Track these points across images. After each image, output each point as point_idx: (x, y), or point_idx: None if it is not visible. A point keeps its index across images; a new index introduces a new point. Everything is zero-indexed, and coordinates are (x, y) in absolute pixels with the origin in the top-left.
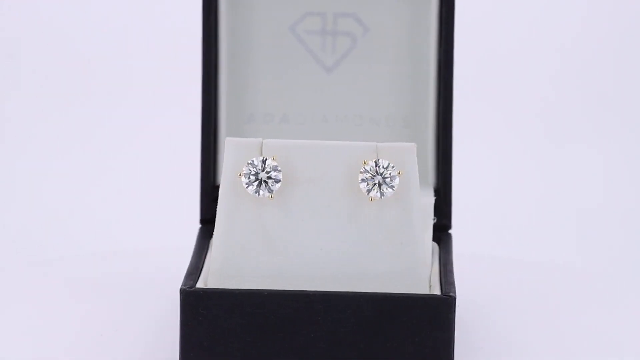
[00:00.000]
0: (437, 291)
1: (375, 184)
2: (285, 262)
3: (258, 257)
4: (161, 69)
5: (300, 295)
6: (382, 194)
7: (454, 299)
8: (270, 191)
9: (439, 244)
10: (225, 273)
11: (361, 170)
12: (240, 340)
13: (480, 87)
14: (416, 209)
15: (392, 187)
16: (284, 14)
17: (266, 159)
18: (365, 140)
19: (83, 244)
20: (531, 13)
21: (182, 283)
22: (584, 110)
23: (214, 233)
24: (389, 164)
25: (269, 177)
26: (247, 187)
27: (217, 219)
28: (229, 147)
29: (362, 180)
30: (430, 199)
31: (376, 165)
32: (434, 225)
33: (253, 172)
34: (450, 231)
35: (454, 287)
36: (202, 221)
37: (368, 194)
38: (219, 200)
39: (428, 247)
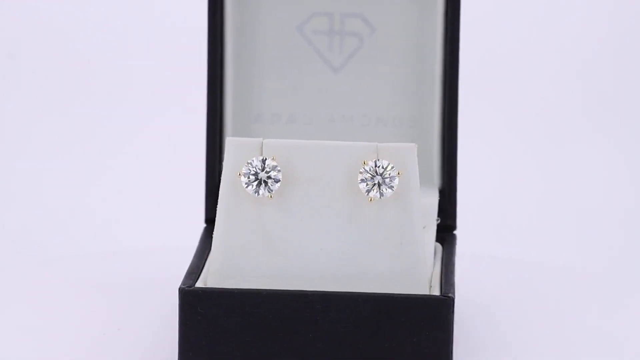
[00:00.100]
0: (437, 292)
1: (374, 184)
2: (285, 262)
3: (258, 257)
4: (162, 69)
5: (299, 295)
6: (381, 194)
7: (453, 299)
8: (270, 191)
9: (442, 244)
10: (225, 273)
11: (361, 170)
12: (239, 340)
13: (480, 87)
14: (416, 209)
15: (391, 187)
16: (291, 14)
17: (265, 159)
18: (372, 140)
19: (83, 244)
20: (531, 13)
21: (182, 282)
22: (584, 110)
23: (214, 233)
24: (388, 164)
25: (269, 177)
26: (246, 187)
27: (217, 219)
28: (229, 147)
29: (362, 180)
30: (434, 200)
31: (376, 166)
32: (439, 226)
33: (252, 172)
34: (454, 232)
35: (454, 288)
36: (207, 221)
37: (367, 194)
38: (219, 200)
39: (430, 247)
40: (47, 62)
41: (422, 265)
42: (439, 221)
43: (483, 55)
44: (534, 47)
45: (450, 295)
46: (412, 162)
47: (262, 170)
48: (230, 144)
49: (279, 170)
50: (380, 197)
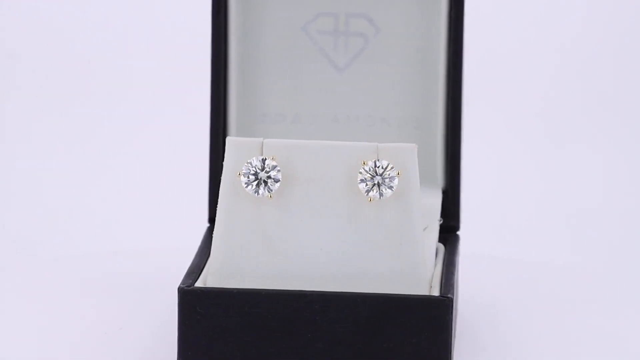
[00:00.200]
0: (437, 292)
1: (374, 184)
2: (285, 262)
3: (258, 257)
4: (162, 69)
5: (298, 295)
6: (381, 195)
7: (452, 300)
8: (270, 191)
9: (445, 245)
10: (224, 273)
11: (360, 170)
12: (238, 339)
13: (480, 87)
14: (416, 209)
15: (391, 187)
16: (297, 14)
17: (265, 159)
18: (376, 141)
19: (83, 244)
20: (531, 13)
21: (181, 282)
22: (584, 110)
23: (214, 233)
24: (388, 164)
25: (269, 177)
26: (246, 187)
27: (217, 219)
28: (229, 147)
29: (361, 180)
30: (437, 200)
31: (375, 166)
32: (442, 227)
33: (252, 172)
34: (458, 232)
35: (453, 289)
36: (210, 220)
37: (367, 194)
38: (219, 200)
39: (432, 248)
40: (47, 62)
41: (421, 266)
42: (441, 222)
43: (483, 55)
44: (534, 47)
45: (449, 296)
46: (412, 162)
47: (262, 170)
48: (230, 143)
49: (278, 170)
50: (379, 197)
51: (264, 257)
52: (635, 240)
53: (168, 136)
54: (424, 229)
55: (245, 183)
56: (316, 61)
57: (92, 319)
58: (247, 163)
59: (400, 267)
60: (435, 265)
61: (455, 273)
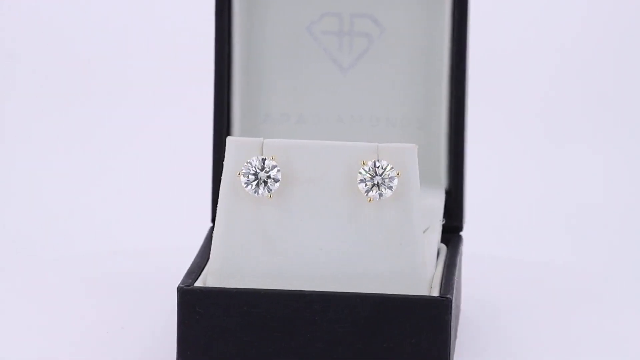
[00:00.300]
0: (437, 293)
1: (373, 184)
2: (285, 262)
3: (258, 257)
4: (163, 69)
5: (297, 295)
6: (380, 195)
7: (451, 300)
8: (269, 190)
9: (447, 245)
10: (224, 273)
11: (360, 170)
12: (237, 339)
13: (480, 87)
14: (416, 209)
15: (390, 187)
16: (301, 14)
17: (265, 159)
18: (380, 141)
19: (83, 244)
20: (531, 13)
21: (180, 282)
22: (584, 110)
23: (214, 233)
24: (387, 164)
25: (269, 177)
26: (246, 187)
27: (217, 219)
28: (229, 147)
29: (361, 180)
30: (439, 201)
31: (375, 166)
32: (445, 227)
33: (252, 172)
34: (461, 233)
35: (453, 290)
36: (213, 220)
37: (367, 194)
38: (219, 200)
39: (433, 248)
40: (47, 62)
41: (421, 266)
42: (443, 222)
43: (483, 55)
44: (534, 47)
45: (448, 296)
46: (412, 163)
47: (262, 170)
48: (231, 143)
49: (278, 170)
50: (379, 198)
51: (264, 257)
52: (635, 240)
53: (170, 136)
54: (426, 230)
55: (245, 183)
56: (320, 61)
57: (92, 319)
58: (247, 163)
59: (400, 268)
60: (437, 265)
61: (456, 273)
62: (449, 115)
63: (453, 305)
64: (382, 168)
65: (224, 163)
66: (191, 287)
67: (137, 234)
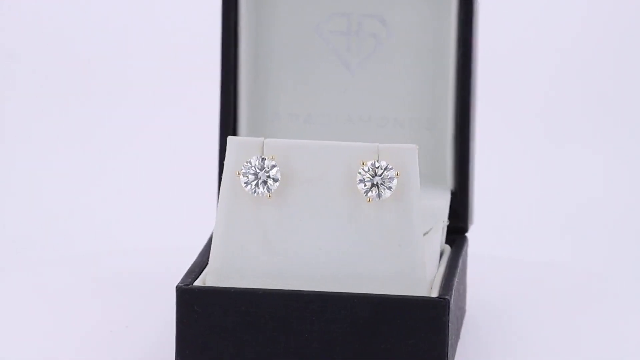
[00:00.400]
0: (437, 294)
1: (373, 184)
2: (284, 261)
3: (257, 257)
4: (169, 68)
5: (295, 295)
6: (379, 195)
7: (448, 301)
8: (269, 190)
9: (451, 246)
10: (224, 272)
11: (359, 171)
12: (235, 338)
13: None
14: (416, 210)
15: (390, 188)
16: (309, 15)
17: (265, 158)
18: (387, 141)
19: (83, 244)
20: (531, 13)
21: (180, 281)
22: (584, 110)
23: (214, 232)
24: (387, 165)
25: (268, 177)
26: (245, 186)
27: (216, 218)
28: (230, 146)
29: (360, 180)
30: (443, 202)
31: (374, 166)
32: (450, 228)
33: (252, 172)
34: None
35: (452, 291)
36: None
37: (366, 194)
38: (219, 200)
39: (434, 249)
40: (47, 62)
41: (420, 267)
42: (447, 223)
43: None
44: (533, 47)
45: (446, 297)
46: (412, 163)
47: (262, 169)
48: (231, 143)
49: (278, 170)
50: (378, 198)
51: (264, 257)
52: (635, 240)
53: (172, 136)
54: (429, 231)
55: (245, 183)
56: (329, 61)
57: (93, 318)
58: (247, 162)
59: (399, 268)
60: (439, 266)
61: (458, 274)
62: (455, 116)
63: (452, 306)
64: (381, 168)
65: (225, 163)
66: (190, 286)
67: (140, 234)
